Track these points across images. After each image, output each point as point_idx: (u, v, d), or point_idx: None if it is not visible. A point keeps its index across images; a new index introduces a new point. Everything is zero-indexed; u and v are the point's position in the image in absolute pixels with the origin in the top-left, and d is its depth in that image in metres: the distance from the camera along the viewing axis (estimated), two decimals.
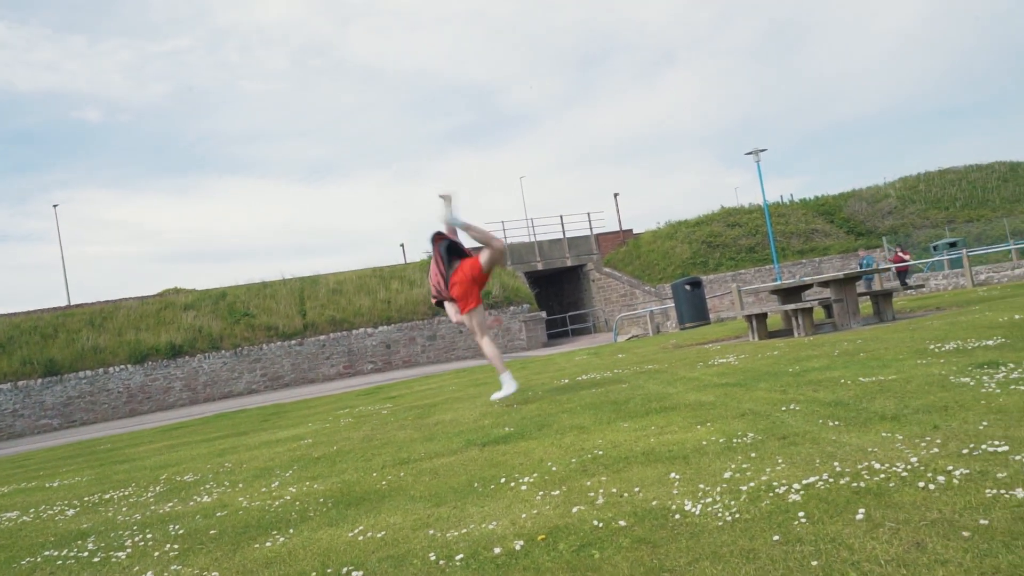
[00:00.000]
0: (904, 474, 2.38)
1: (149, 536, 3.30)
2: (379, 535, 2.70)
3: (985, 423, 2.89)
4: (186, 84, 79.29)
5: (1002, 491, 2.08)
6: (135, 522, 3.71)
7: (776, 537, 2.01)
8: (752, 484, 2.53)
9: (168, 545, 3.08)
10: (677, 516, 2.34)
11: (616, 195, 34.86)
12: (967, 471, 2.30)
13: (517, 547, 2.28)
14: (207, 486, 4.55)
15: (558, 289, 34.20)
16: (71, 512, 4.41)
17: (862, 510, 2.10)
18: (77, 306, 25.90)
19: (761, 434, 3.34)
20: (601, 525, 2.36)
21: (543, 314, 26.49)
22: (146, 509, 4.06)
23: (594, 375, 7.89)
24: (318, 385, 21.85)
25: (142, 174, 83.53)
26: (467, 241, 6.26)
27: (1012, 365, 4.11)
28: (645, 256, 30.02)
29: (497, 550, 2.28)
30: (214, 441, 7.87)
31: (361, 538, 2.70)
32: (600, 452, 3.52)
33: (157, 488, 4.82)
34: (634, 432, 3.94)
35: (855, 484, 2.35)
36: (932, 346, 5.56)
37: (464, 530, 2.58)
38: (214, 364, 23.08)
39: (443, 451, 4.37)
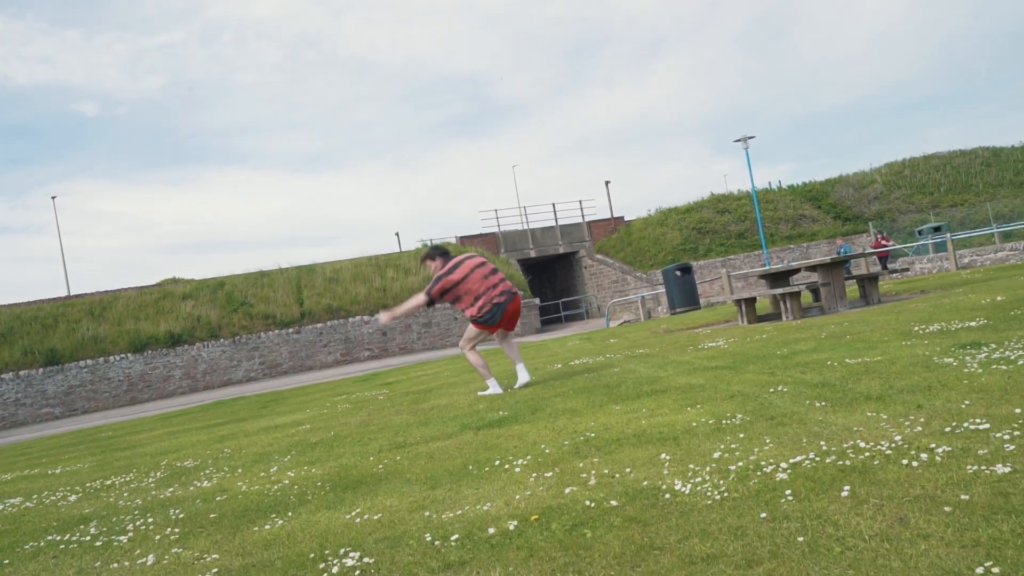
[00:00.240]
0: (888, 452, 2.43)
1: (150, 520, 3.34)
2: (376, 517, 2.74)
3: (967, 402, 2.95)
4: (186, 84, 78.95)
5: (983, 467, 2.13)
6: (136, 507, 3.75)
7: (764, 514, 2.06)
8: (740, 464, 2.59)
9: (169, 529, 3.12)
10: (667, 495, 2.38)
11: (607, 183, 34.91)
12: (949, 448, 2.36)
13: (511, 527, 2.33)
14: (207, 471, 4.59)
15: (551, 276, 34.23)
16: (73, 498, 4.45)
17: (847, 487, 2.15)
18: (77, 296, 25.80)
19: (750, 415, 3.40)
20: (593, 505, 2.41)
21: (536, 300, 26.59)
22: (147, 494, 4.11)
23: (587, 360, 7.95)
24: (316, 372, 21.89)
25: (139, 166, 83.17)
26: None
27: (994, 345, 4.18)
28: (636, 243, 30.03)
29: (491, 530, 2.32)
30: (213, 428, 7.92)
31: (358, 520, 2.74)
32: (592, 434, 3.57)
33: (158, 474, 4.86)
34: (626, 415, 3.99)
35: (841, 462, 2.41)
36: (917, 328, 5.63)
37: (459, 511, 2.62)
38: (213, 352, 23.09)
39: (438, 435, 4.42)
